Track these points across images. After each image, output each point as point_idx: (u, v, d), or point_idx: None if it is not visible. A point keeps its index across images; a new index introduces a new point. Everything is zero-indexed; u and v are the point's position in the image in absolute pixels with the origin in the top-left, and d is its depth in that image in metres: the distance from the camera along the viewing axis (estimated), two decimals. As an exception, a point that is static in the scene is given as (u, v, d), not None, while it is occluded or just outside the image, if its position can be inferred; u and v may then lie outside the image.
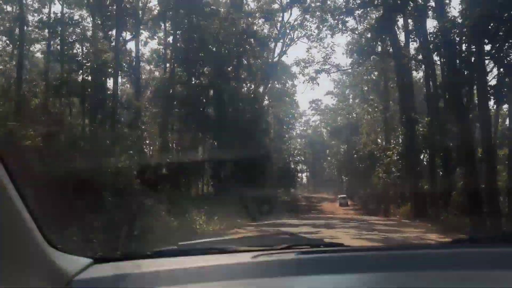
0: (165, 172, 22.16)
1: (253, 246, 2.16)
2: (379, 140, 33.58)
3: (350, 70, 37.17)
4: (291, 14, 34.01)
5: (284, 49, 32.95)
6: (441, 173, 22.08)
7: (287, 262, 1.85)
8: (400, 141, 27.05)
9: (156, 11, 30.68)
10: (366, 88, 42.14)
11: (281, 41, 32.76)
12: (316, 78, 36.87)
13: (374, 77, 39.02)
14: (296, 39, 33.16)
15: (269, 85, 47.39)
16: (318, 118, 66.99)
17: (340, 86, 53.83)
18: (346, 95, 53.37)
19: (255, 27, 31.91)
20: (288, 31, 32.30)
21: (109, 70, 23.72)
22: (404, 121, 24.70)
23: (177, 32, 29.31)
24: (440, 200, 19.44)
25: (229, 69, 31.13)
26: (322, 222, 20.45)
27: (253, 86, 33.69)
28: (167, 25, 31.52)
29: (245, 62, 34.05)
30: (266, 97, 49.66)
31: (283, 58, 45.09)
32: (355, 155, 43.73)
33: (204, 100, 30.69)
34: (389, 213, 26.07)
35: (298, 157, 59.49)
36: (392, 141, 30.96)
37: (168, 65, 29.86)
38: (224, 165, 27.56)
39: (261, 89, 37.14)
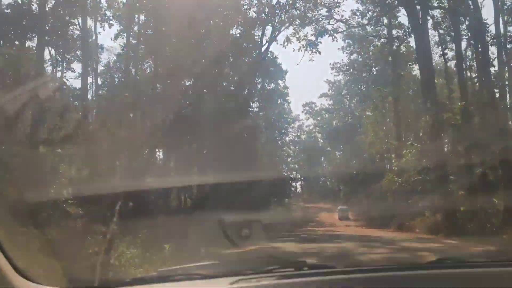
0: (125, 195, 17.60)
1: (233, 271, 2.11)
2: (387, 140, 28.94)
3: (360, 27, 29.69)
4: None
5: (274, 34, 28.04)
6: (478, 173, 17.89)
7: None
8: (421, 134, 22.46)
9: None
10: (366, 75, 37.92)
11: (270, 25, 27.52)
12: (316, 45, 28.60)
13: (375, 70, 35.27)
14: (287, 22, 27.88)
15: (258, 81, 43.89)
16: (312, 122, 63.19)
17: (335, 88, 50.15)
18: (343, 95, 49.66)
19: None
20: (278, 11, 27.26)
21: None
22: (428, 107, 20.30)
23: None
24: (481, 210, 15.22)
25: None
26: (333, 247, 15.47)
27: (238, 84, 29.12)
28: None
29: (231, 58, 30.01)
30: (256, 98, 45.95)
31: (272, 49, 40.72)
32: (353, 161, 39.97)
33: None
34: (404, 226, 21.76)
35: (292, 165, 55.54)
36: (403, 138, 26.56)
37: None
38: (202, 180, 23.30)
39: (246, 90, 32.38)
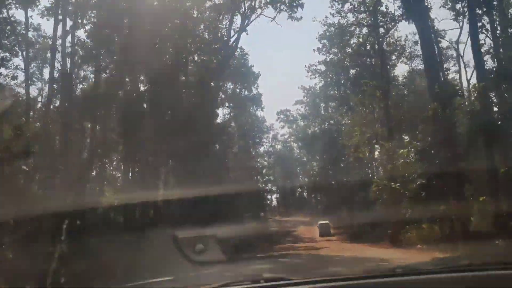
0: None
1: (192, 285, 2.44)
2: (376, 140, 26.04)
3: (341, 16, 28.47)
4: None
5: (244, 23, 25.00)
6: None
7: None
8: (418, 132, 19.11)
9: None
10: (344, 77, 35.47)
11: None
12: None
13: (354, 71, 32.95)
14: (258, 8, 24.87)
15: (228, 85, 40.87)
16: (288, 131, 60.61)
17: (311, 94, 47.68)
18: (319, 101, 47.23)
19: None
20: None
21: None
22: (435, 93, 17.24)
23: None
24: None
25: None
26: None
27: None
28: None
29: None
30: (226, 105, 42.88)
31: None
32: (332, 170, 37.45)
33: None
34: (397, 240, 18.70)
35: (267, 177, 52.67)
36: (395, 138, 23.66)
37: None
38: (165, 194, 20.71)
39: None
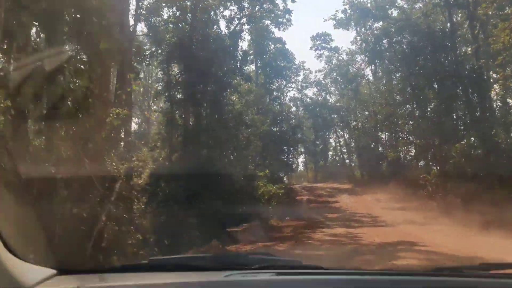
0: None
1: (227, 264, 2.23)
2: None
3: None
4: None
5: None
6: None
7: (260, 282, 1.97)
8: None
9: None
10: None
11: None
12: None
13: None
14: None
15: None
16: (324, 69, 48.44)
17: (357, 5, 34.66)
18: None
19: None
20: None
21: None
22: None
23: None
24: None
25: None
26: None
27: None
28: None
29: None
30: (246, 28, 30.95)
31: None
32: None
33: None
34: None
35: (298, 128, 41.35)
36: None
37: None
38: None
39: None
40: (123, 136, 18.36)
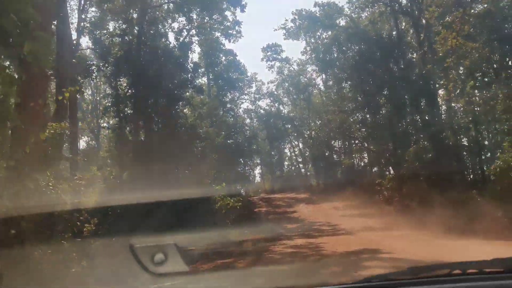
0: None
1: None
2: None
3: None
4: None
5: None
6: None
7: None
8: None
9: None
10: None
11: None
12: None
13: None
14: None
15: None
16: (276, 80, 48.54)
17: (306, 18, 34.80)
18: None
19: None
20: None
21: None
22: None
23: None
24: None
25: None
26: None
27: None
28: None
29: None
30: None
31: None
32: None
33: None
34: None
35: (253, 140, 41.08)
36: None
37: None
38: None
39: None
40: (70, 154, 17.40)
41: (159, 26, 25.78)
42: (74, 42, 20.50)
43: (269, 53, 43.90)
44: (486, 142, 25.08)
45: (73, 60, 17.02)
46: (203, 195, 21.29)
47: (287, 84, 47.85)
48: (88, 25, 23.65)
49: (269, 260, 11.52)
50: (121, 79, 25.48)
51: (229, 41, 36.93)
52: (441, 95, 25.54)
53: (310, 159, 51.13)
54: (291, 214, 28.67)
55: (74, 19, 23.85)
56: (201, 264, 12.09)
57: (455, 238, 13.72)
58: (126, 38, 24.15)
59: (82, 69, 23.80)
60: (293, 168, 61.69)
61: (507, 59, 22.37)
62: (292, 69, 46.79)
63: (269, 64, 44.99)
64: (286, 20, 36.19)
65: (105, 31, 24.34)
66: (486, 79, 21.59)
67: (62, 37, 15.65)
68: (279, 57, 44.69)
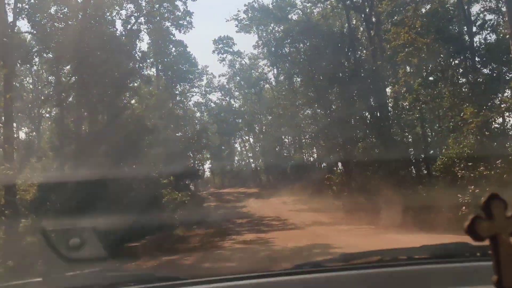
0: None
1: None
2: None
3: None
4: None
5: None
6: None
7: None
8: None
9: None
10: None
11: None
12: None
13: None
14: None
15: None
16: (228, 74, 47.91)
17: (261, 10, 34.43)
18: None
19: None
20: None
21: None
22: None
23: None
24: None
25: None
26: None
27: None
28: None
29: None
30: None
31: None
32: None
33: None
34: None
35: (203, 133, 40.26)
36: None
37: None
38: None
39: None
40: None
41: (105, 11, 24.47)
42: (11, 24, 18.99)
43: (220, 46, 43.35)
44: (430, 139, 25.82)
45: (4, 39, 15.65)
46: (149, 189, 20.46)
47: (238, 78, 47.38)
48: (27, 6, 22.02)
49: (217, 257, 11.04)
50: (63, 67, 24.04)
51: (180, 32, 36.08)
52: (389, 92, 26.04)
53: (261, 154, 51.04)
54: (240, 209, 28.36)
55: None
56: (144, 261, 11.42)
57: (402, 232, 13.83)
58: (70, 22, 22.73)
59: (21, 55, 22.20)
60: (243, 163, 61.50)
61: (451, 59, 23.09)
62: (244, 62, 46.46)
63: (220, 57, 44.45)
64: (239, 11, 35.88)
65: (46, 15, 22.78)
66: (433, 77, 22.14)
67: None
68: (231, 50, 44.23)
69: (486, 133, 17.34)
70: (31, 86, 43.18)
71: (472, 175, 16.24)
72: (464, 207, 15.26)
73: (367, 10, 24.33)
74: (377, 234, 13.61)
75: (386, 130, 22.68)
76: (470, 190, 15.48)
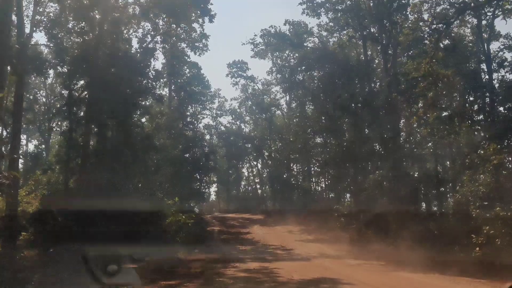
0: None
1: None
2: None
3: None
4: None
5: None
6: None
7: None
8: None
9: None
10: None
11: None
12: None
13: None
14: None
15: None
16: (240, 98, 47.76)
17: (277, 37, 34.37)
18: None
19: None
20: None
21: None
22: None
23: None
24: None
25: None
26: None
27: None
28: None
29: None
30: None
31: None
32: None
33: None
34: None
35: (212, 156, 39.86)
36: None
37: None
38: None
39: None
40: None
41: (122, 28, 24.54)
42: (27, 35, 19.00)
43: (234, 70, 43.36)
44: (441, 176, 25.20)
45: (16, 46, 15.52)
46: (153, 209, 19.96)
47: (250, 103, 47.24)
48: (45, 19, 22.14)
49: (219, 286, 10.43)
50: (76, 81, 24.00)
51: (195, 54, 36.12)
52: (401, 125, 25.60)
53: (268, 181, 50.39)
54: (245, 235, 27.59)
55: (29, 11, 22.38)
56: (142, 285, 10.83)
57: (414, 271, 13.14)
58: (86, 37, 22.77)
59: (35, 66, 22.18)
60: (249, 188, 60.72)
61: (466, 96, 22.71)
62: (257, 88, 46.36)
63: (233, 81, 44.45)
64: (255, 35, 35.92)
65: (63, 28, 22.88)
66: (448, 113, 21.68)
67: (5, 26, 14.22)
68: (245, 74, 44.21)
69: (503, 172, 16.76)
70: (44, 99, 43.37)
71: (488, 215, 15.56)
72: (477, 248, 14.56)
73: (384, 41, 24.15)
74: (388, 272, 12.91)
75: (398, 163, 22.14)
76: (485, 231, 14.76)
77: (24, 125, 41.04)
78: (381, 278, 11.14)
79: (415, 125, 23.47)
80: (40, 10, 21.80)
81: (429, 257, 15.27)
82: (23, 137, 46.40)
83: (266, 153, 46.80)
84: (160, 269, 13.49)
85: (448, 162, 26.67)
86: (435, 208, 22.61)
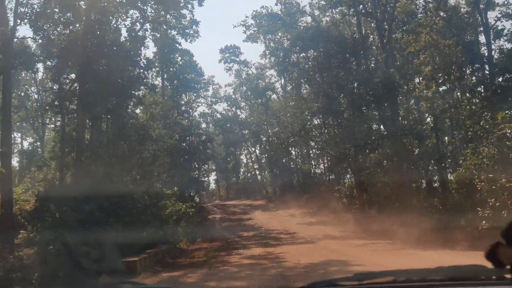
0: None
1: None
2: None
3: None
4: None
5: None
6: None
7: None
8: None
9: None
10: None
11: None
12: None
13: None
14: None
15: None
16: (234, 84, 47.09)
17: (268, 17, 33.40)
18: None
19: None
20: None
21: None
22: None
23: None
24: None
25: None
26: None
27: None
28: None
29: None
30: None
31: None
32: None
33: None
34: None
35: (209, 144, 39.35)
36: None
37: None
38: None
39: None
40: None
41: (110, 18, 23.81)
42: (11, 28, 18.31)
43: (227, 55, 42.62)
44: (445, 150, 24.82)
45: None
46: (152, 200, 19.56)
47: (245, 88, 46.56)
48: (29, 11, 21.39)
49: (224, 275, 10.06)
50: (66, 74, 23.38)
51: (186, 41, 35.47)
52: (400, 100, 25.15)
53: (267, 165, 50.04)
54: (246, 221, 27.35)
55: (12, 4, 21.63)
56: (143, 277, 10.45)
57: (422, 248, 12.82)
58: (72, 28, 22.09)
59: (22, 60, 21.56)
60: (249, 174, 60.38)
61: (464, 68, 22.20)
62: (251, 72, 45.67)
63: (227, 66, 43.67)
64: (247, 17, 35.05)
65: (49, 20, 22.15)
66: (449, 86, 21.21)
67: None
68: (238, 59, 43.48)
69: (507, 143, 16.37)
70: (35, 96, 42.70)
71: (493, 187, 15.21)
72: (484, 222, 14.25)
73: (378, 16, 23.52)
74: (396, 250, 12.59)
75: (399, 140, 21.71)
76: (491, 203, 14.44)
77: (17, 123, 40.50)
78: (391, 257, 10.80)
79: (411, 102, 23.02)
80: (23, 1, 21.06)
81: (435, 234, 14.98)
82: (18, 135, 45.91)
83: (264, 138, 46.32)
84: (161, 260, 13.13)
85: (446, 138, 26.30)
86: (438, 184, 22.24)
